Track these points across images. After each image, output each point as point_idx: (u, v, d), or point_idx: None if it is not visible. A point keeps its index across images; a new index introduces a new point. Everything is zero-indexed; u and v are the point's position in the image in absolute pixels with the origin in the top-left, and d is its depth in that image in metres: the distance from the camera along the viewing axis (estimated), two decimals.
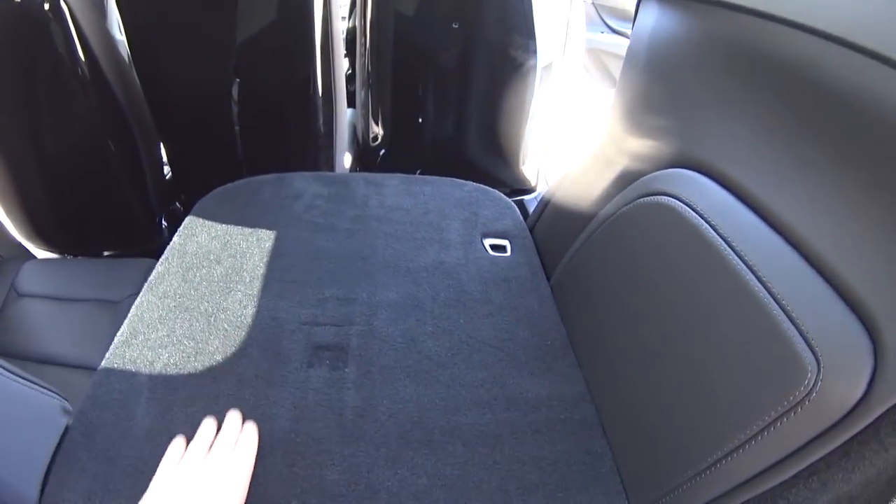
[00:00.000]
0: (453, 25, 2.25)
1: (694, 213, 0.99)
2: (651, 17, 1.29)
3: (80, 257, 2.43)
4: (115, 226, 2.39)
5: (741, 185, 0.96)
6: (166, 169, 2.55)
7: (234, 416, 1.07)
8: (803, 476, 0.75)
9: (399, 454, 1.07)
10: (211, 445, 1.01)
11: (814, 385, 0.71)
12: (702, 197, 1.01)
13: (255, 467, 1.04)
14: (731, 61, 1.04)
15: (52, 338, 1.74)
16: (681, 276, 1.01)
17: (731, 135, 1.01)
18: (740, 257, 0.87)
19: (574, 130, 2.92)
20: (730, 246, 0.89)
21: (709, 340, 0.91)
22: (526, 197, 2.77)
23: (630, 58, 1.37)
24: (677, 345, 0.98)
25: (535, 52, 2.26)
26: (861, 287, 0.72)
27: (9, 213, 2.23)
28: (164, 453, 1.06)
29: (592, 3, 4.07)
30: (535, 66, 2.29)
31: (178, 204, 2.65)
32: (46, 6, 1.74)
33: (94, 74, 1.93)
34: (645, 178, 1.19)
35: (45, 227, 2.31)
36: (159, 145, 2.41)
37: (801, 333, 0.74)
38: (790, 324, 0.76)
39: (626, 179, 1.27)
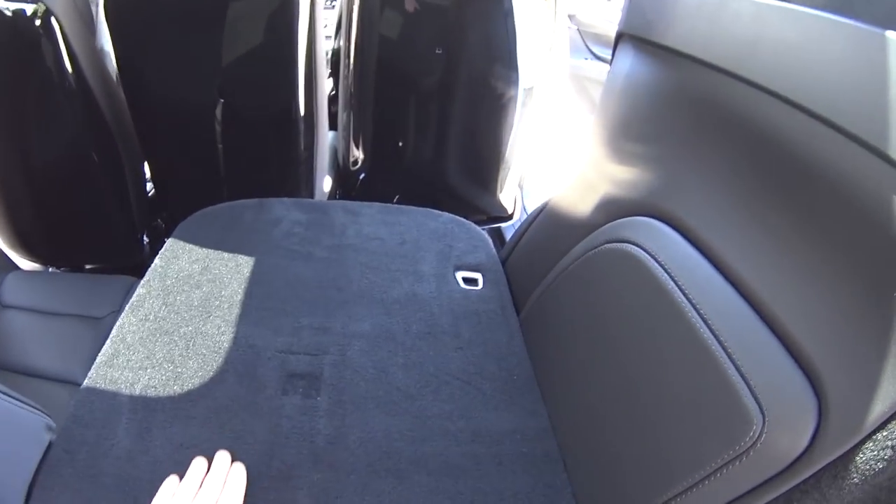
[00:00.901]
0: (437, 51, 2.29)
1: (655, 263, 1.05)
2: (627, 61, 1.35)
3: (63, 270, 2.48)
4: (97, 240, 2.41)
5: (701, 237, 1.02)
6: (149, 186, 2.58)
7: (223, 456, 1.09)
8: None
9: (367, 482, 1.11)
10: (201, 484, 1.04)
11: (759, 436, 0.76)
12: (663, 247, 1.06)
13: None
14: (697, 116, 1.10)
15: (35, 351, 1.76)
16: (639, 323, 1.07)
17: (695, 188, 1.07)
18: (696, 309, 0.92)
19: (554, 158, 2.98)
20: (686, 297, 0.95)
21: (661, 386, 0.97)
22: (503, 224, 2.82)
23: (603, 101, 1.44)
24: (632, 388, 1.04)
25: (517, 80, 2.30)
26: (809, 345, 0.77)
27: None
28: (143, 473, 1.10)
29: (577, 30, 4.11)
30: (516, 95, 2.33)
31: (160, 221, 2.67)
32: (38, 22, 1.76)
33: (81, 90, 1.95)
34: (613, 223, 1.25)
35: (28, 238, 2.32)
36: (143, 162, 2.43)
37: (748, 386, 0.80)
38: (739, 376, 0.81)
39: (594, 223, 1.32)
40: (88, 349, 1.68)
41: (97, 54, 2.06)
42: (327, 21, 3.18)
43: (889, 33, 0.69)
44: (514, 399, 1.32)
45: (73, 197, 2.21)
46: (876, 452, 0.65)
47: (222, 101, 2.16)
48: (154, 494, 1.06)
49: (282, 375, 1.32)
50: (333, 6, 3.55)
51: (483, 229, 2.56)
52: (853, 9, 0.77)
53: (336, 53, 3.09)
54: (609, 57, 1.43)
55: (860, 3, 0.77)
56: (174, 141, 2.34)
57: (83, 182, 2.18)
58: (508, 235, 2.82)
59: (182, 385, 1.28)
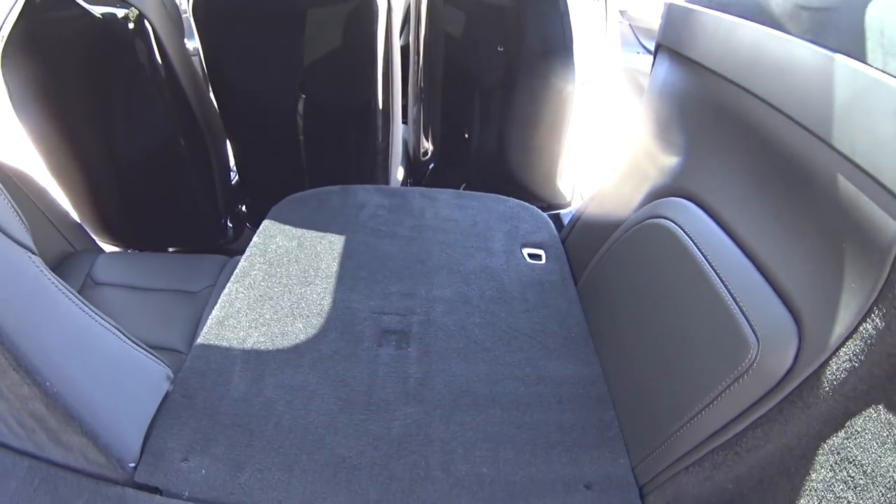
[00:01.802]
0: (498, 48, 2.41)
1: (684, 234, 1.28)
2: (664, 68, 1.57)
3: (148, 252, 2.57)
4: (182, 224, 2.56)
5: (719, 212, 1.26)
6: (233, 174, 2.71)
7: None
8: (750, 429, 1.03)
9: (451, 414, 1.35)
10: None
11: (755, 358, 1.00)
12: (690, 222, 1.30)
13: (336, 422, 1.31)
14: (716, 117, 1.33)
15: (132, 322, 1.72)
16: (670, 283, 1.31)
17: (715, 175, 1.31)
18: (712, 267, 1.17)
19: (609, 148, 3.11)
20: (706, 258, 1.19)
21: (684, 330, 1.22)
22: (562, 211, 2.93)
23: (645, 101, 1.66)
24: (663, 335, 1.29)
25: (573, 75, 2.39)
26: (791, 287, 1.01)
27: (79, 208, 2.38)
28: (258, 411, 1.31)
29: (629, 25, 4.23)
30: (573, 89, 2.42)
31: (242, 207, 2.79)
32: (131, 25, 1.90)
33: (171, 85, 2.08)
34: (653, 203, 1.48)
35: (114, 223, 2.48)
36: (228, 152, 2.56)
37: (746, 319, 1.04)
38: (740, 313, 1.06)
39: (637, 205, 1.55)
40: (185, 320, 1.86)
41: (186, 53, 2.20)
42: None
43: (838, 57, 0.94)
44: (571, 352, 1.53)
45: (162, 184, 2.38)
46: (839, 366, 0.87)
47: (304, 96, 2.32)
48: (268, 428, 1.27)
49: (376, 331, 1.55)
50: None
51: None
52: (825, 37, 1.01)
53: (404, 49, 3.18)
54: None
55: (830, 35, 1.00)
56: (257, 132, 2.47)
57: (171, 170, 2.33)
58: (566, 222, 2.95)
59: (289, 340, 1.51)
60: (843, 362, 0.87)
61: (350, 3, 2.03)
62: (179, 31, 2.16)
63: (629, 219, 1.55)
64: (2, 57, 1.87)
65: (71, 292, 1.15)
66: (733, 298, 1.09)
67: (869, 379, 0.83)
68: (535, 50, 2.40)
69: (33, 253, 1.07)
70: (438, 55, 2.46)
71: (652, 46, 3.96)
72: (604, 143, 3.05)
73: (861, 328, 0.84)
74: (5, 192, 1.04)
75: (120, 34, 1.92)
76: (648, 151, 1.63)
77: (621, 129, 3.21)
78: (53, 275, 1.11)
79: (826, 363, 0.90)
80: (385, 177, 2.55)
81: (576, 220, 1.97)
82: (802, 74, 1.03)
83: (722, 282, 1.13)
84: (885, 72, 0.85)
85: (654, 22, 4.06)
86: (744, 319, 1.05)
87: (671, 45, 1.56)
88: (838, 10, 1.01)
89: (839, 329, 0.88)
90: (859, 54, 0.92)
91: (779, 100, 1.09)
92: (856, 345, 0.85)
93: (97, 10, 1.86)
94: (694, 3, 1.47)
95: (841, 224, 0.90)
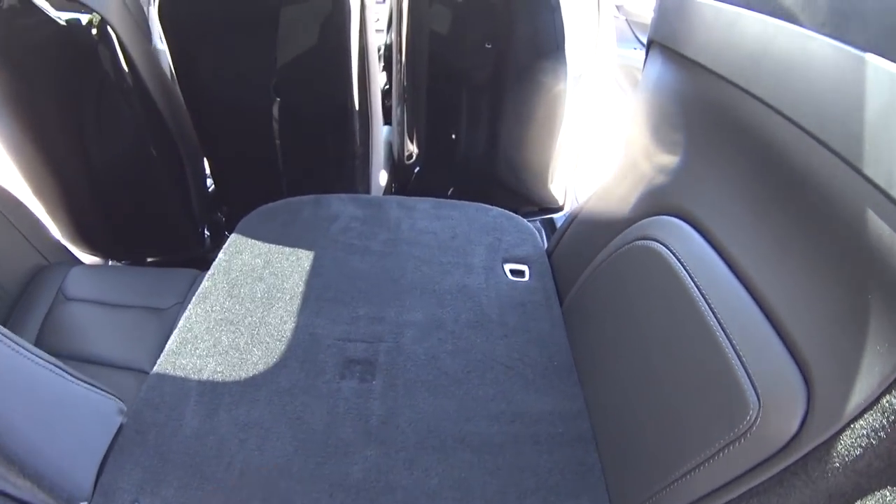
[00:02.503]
0: (486, 46, 2.34)
1: (676, 261, 1.14)
2: (656, 68, 1.45)
3: (124, 264, 2.59)
4: (158, 234, 2.52)
5: (716, 236, 1.11)
6: (209, 181, 2.68)
7: None
8: (745, 498, 0.90)
9: (415, 457, 1.23)
10: None
11: (755, 420, 0.86)
12: (684, 245, 1.16)
13: (291, 465, 1.21)
14: (713, 124, 1.20)
15: (99, 340, 1.82)
16: (661, 316, 1.17)
17: (712, 192, 1.16)
18: (708, 304, 1.02)
19: (604, 148, 3.03)
20: (700, 293, 1.05)
21: (676, 374, 1.08)
22: (555, 215, 2.88)
23: (636, 105, 1.54)
24: (652, 375, 1.16)
25: (565, 73, 2.33)
26: (802, 340, 0.86)
27: (55, 218, 2.35)
28: (210, 451, 1.23)
29: (626, 20, 4.15)
30: (564, 88, 2.37)
31: (220, 214, 2.77)
32: (94, 32, 1.86)
33: (138, 91, 2.04)
34: (643, 221, 1.35)
35: (90, 233, 2.44)
36: (202, 159, 2.52)
37: (747, 374, 0.90)
38: (740, 365, 0.91)
39: (627, 221, 1.42)
40: (153, 339, 1.79)
41: (153, 57, 2.17)
42: (378, 15, 3.21)
43: (869, 56, 0.76)
44: (552, 383, 1.42)
45: (135, 193, 2.33)
46: (854, 440, 0.73)
47: (278, 99, 2.24)
48: (220, 470, 1.19)
49: (340, 361, 1.44)
50: (384, 0, 3.58)
51: (535, 220, 2.64)
52: (848, 30, 0.84)
53: (388, 48, 3.12)
54: None
55: (855, 26, 0.83)
56: (232, 138, 2.42)
57: (144, 178, 2.28)
58: (560, 225, 2.90)
59: (247, 371, 1.41)
60: (860, 437, 0.73)
61: (321, 1, 2.00)
62: (145, 36, 2.14)
63: (618, 237, 1.43)
64: None
65: (6, 335, 1.13)
66: (732, 345, 0.95)
67: (888, 457, 0.70)
68: (525, 47, 2.33)
69: None
70: (422, 53, 2.39)
71: None
72: (598, 144, 2.97)
73: (884, 400, 0.70)
74: None
75: (83, 41, 1.89)
76: (639, 162, 1.51)
77: (616, 130, 3.12)
78: None
79: (838, 434, 0.76)
80: (366, 182, 2.50)
81: (563, 232, 1.86)
82: (821, 77, 0.86)
83: (719, 323, 0.99)
84: None
85: (651, 17, 3.99)
86: (743, 372, 0.91)
87: (664, 40, 1.44)
88: None
89: (857, 397, 0.74)
90: (893, 54, 0.75)
91: (790, 106, 0.93)
92: (875, 418, 0.71)
93: (62, 17, 1.82)
94: None
95: (869, 269, 0.76)
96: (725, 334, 0.97)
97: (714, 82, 1.16)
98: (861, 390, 0.73)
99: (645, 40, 3.96)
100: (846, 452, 0.75)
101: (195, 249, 2.60)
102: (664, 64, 1.42)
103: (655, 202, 1.36)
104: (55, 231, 2.37)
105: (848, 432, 0.75)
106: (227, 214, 2.76)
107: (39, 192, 2.27)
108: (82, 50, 1.90)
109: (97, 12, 1.84)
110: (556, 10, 2.18)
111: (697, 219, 1.19)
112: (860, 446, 0.73)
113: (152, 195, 2.35)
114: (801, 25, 0.94)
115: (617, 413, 1.27)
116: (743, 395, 0.89)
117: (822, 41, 0.86)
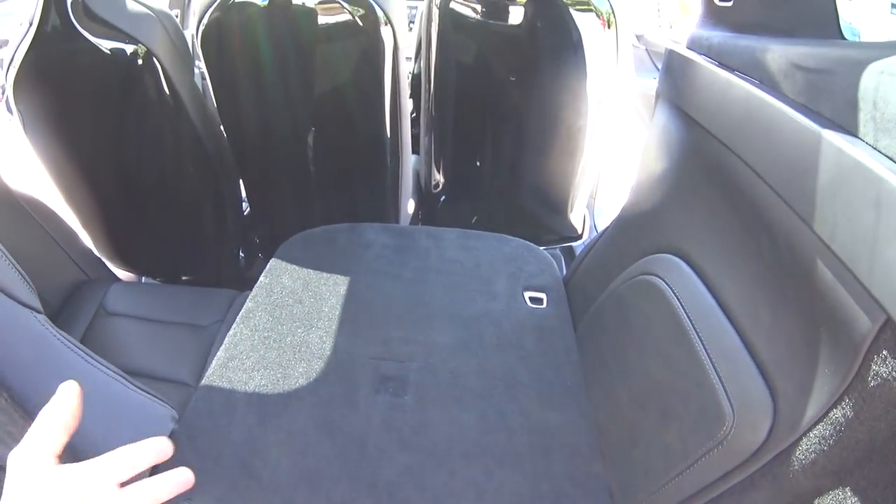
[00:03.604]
0: (510, 78, 2.41)
1: (672, 294, 1.31)
2: (662, 118, 1.60)
3: (161, 282, 2.68)
4: (194, 253, 2.61)
5: (707, 273, 1.28)
6: (245, 205, 2.75)
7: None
8: (725, 496, 1.07)
9: (442, 463, 1.39)
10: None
11: (730, 431, 1.03)
12: (679, 281, 1.33)
13: (331, 467, 1.36)
14: (707, 176, 1.35)
15: (141, 353, 1.90)
16: (658, 343, 1.34)
17: (705, 234, 1.33)
18: (695, 331, 1.20)
19: (623, 177, 3.13)
20: (691, 322, 1.22)
21: (668, 391, 1.25)
22: (574, 244, 2.97)
23: (644, 151, 1.69)
24: (648, 393, 1.33)
25: (586, 105, 2.39)
26: (771, 362, 1.03)
27: (92, 234, 2.41)
28: (257, 455, 1.38)
29: (646, 49, 4.26)
30: (586, 121, 2.43)
31: (255, 237, 2.85)
32: (140, 62, 1.94)
33: (179, 116, 2.11)
34: (646, 258, 1.51)
35: (126, 250, 2.52)
36: (239, 183, 2.59)
37: (724, 391, 1.07)
38: (720, 384, 1.09)
39: (633, 257, 1.58)
40: (194, 354, 1.92)
41: (196, 87, 2.25)
42: (408, 42, 3.24)
43: (825, 133, 0.91)
44: (565, 400, 1.57)
45: (174, 214, 2.43)
46: (810, 446, 0.90)
47: (313, 129, 2.34)
48: (266, 471, 1.34)
49: (375, 378, 1.59)
50: (411, 28, 3.64)
51: (555, 248, 2.75)
52: (819, 101, 1.00)
53: (417, 77, 3.23)
54: None
55: (824, 98, 0.98)
56: (268, 164, 2.48)
57: (183, 200, 2.39)
58: (578, 253, 2.97)
59: (290, 385, 1.56)
60: (814, 443, 0.89)
61: (357, 39, 2.06)
62: (188, 67, 2.21)
63: (625, 272, 1.59)
64: (14, 85, 1.92)
65: (75, 345, 1.23)
66: (714, 367, 1.12)
67: (839, 461, 0.86)
68: (547, 80, 2.40)
69: (38, 312, 1.15)
70: (450, 84, 2.48)
71: None
72: (616, 173, 3.07)
73: (831, 413, 0.87)
74: (7, 254, 1.13)
75: (129, 69, 1.97)
76: (645, 204, 1.66)
77: (634, 159, 3.23)
78: (58, 330, 1.20)
79: (797, 442, 0.93)
80: (395, 211, 2.58)
81: (579, 263, 2.00)
82: (788, 147, 1.00)
83: (704, 348, 1.16)
84: (876, 148, 0.84)
85: (672, 46, 4.08)
86: (722, 389, 1.08)
87: (668, 95, 1.58)
88: (834, 74, 0.98)
89: (811, 411, 0.90)
90: (852, 126, 0.90)
91: (764, 170, 1.09)
92: (826, 428, 0.87)
93: (105, 45, 1.91)
94: (695, 49, 1.49)
95: (819, 308, 0.92)
96: (708, 357, 1.14)
97: (707, 138, 1.31)
98: (814, 405, 0.90)
99: None
100: (804, 457, 0.91)
101: (230, 270, 2.70)
102: (669, 115, 1.56)
103: (658, 241, 1.51)
104: (92, 247, 2.45)
105: (805, 440, 0.91)
106: (261, 237, 2.85)
107: (78, 208, 2.35)
108: (127, 77, 1.99)
109: (143, 44, 1.93)
110: (579, 43, 2.24)
111: (692, 257, 1.35)
112: (814, 452, 0.89)
113: (190, 216, 2.45)
114: (781, 92, 1.10)
115: (619, 426, 1.42)
116: (721, 409, 1.06)
117: (793, 116, 1.00)
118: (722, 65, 1.34)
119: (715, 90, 1.30)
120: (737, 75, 1.24)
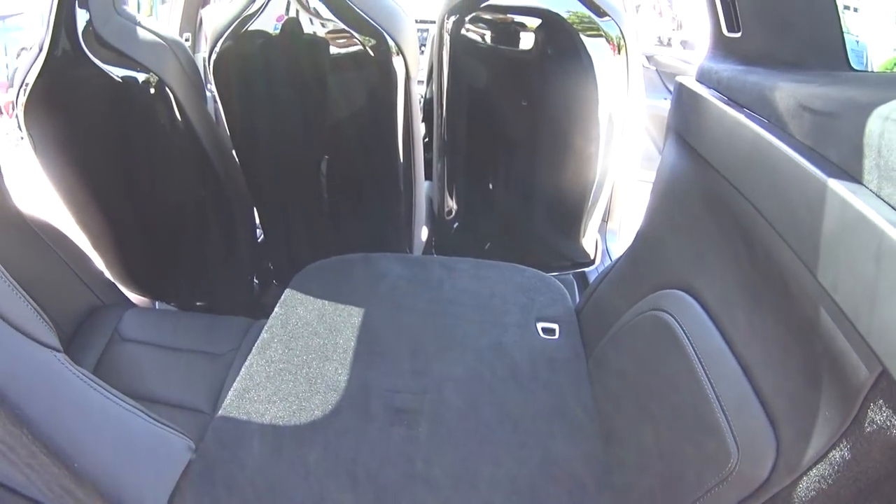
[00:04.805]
0: (522, 103, 2.46)
1: (681, 331, 1.37)
2: (673, 153, 1.65)
3: (172, 306, 2.73)
4: (208, 279, 2.63)
5: (714, 310, 1.34)
6: (259, 231, 2.77)
7: None
8: None
9: (453, 496, 1.44)
10: None
11: (735, 466, 1.09)
12: (688, 317, 1.39)
13: (344, 501, 1.42)
14: (714, 213, 1.40)
15: (156, 379, 1.93)
16: (665, 376, 1.40)
17: (713, 271, 1.38)
18: (703, 368, 1.26)
19: (635, 201, 3.18)
20: (698, 359, 1.28)
21: (677, 427, 1.31)
22: (587, 269, 3.01)
23: (655, 185, 1.75)
24: (657, 429, 1.39)
25: (598, 130, 2.42)
26: (775, 403, 1.09)
27: (105, 258, 2.45)
28: (274, 487, 1.42)
29: (656, 70, 4.31)
30: (597, 146, 2.46)
31: (269, 264, 2.88)
32: (152, 91, 2.00)
33: (192, 143, 2.17)
34: (656, 293, 1.57)
35: (139, 275, 2.55)
36: (252, 209, 2.62)
37: (731, 429, 1.13)
38: (726, 422, 1.15)
39: (643, 292, 1.64)
40: (209, 381, 1.95)
41: (207, 113, 2.30)
42: (420, 66, 3.32)
43: (831, 182, 0.94)
44: (576, 432, 1.61)
45: (187, 240, 2.46)
46: (810, 485, 0.95)
47: (326, 156, 2.39)
48: (282, 502, 1.39)
49: (389, 410, 1.64)
50: (423, 51, 3.72)
51: (567, 274, 2.80)
52: (826, 145, 1.03)
53: (429, 102, 3.25)
54: None
55: (832, 142, 1.01)
56: (281, 191, 2.54)
57: (197, 227, 2.44)
58: (591, 278, 3.00)
59: (306, 416, 1.61)
60: (814, 482, 0.95)
61: (368, 69, 2.11)
62: (200, 95, 2.27)
63: (635, 306, 1.64)
64: (25, 109, 1.98)
65: (93, 380, 1.28)
66: (720, 404, 1.18)
67: (837, 499, 0.92)
68: (559, 105, 2.44)
69: (57, 350, 1.21)
70: (462, 109, 2.51)
71: None
72: (628, 199, 3.12)
73: (830, 454, 0.92)
74: (23, 293, 1.19)
75: (141, 97, 2.03)
76: (656, 238, 1.72)
77: (645, 187, 3.26)
78: (76, 367, 1.25)
79: (798, 479, 0.98)
80: (409, 238, 2.63)
81: (591, 293, 2.05)
82: (794, 192, 1.03)
83: (711, 385, 1.22)
84: (880, 196, 0.86)
85: (682, 67, 4.12)
86: (728, 427, 1.14)
87: (678, 129, 1.63)
88: (840, 118, 1.00)
89: (812, 451, 0.96)
90: (857, 172, 0.92)
91: (770, 213, 1.12)
92: (825, 468, 0.93)
93: (116, 72, 1.97)
94: (704, 83, 1.54)
95: (822, 353, 0.96)
96: (715, 395, 1.20)
97: (716, 176, 1.35)
98: (814, 446, 0.95)
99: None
100: (804, 494, 0.97)
101: (243, 296, 2.74)
102: (679, 150, 1.61)
103: (668, 276, 1.57)
104: (105, 271, 2.48)
105: (805, 479, 0.97)
106: (275, 263, 2.88)
107: (90, 232, 2.40)
108: (139, 105, 2.05)
109: (155, 73, 1.99)
110: (590, 68, 2.28)
111: (701, 294, 1.40)
112: (814, 490, 0.95)
113: (204, 242, 2.49)
114: (789, 133, 1.13)
115: (627, 458, 1.47)
116: (726, 446, 1.12)
117: (798, 161, 1.03)
118: (731, 101, 1.38)
119: (724, 128, 1.34)
120: (745, 113, 1.27)
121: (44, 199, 2.27)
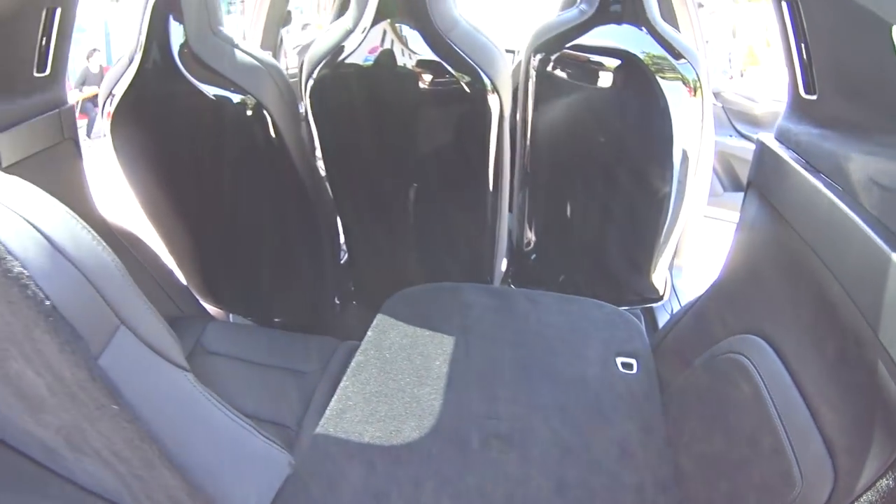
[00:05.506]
0: (600, 139, 2.56)
1: (757, 374, 1.52)
2: (753, 206, 1.77)
3: (253, 322, 2.78)
4: (290, 297, 2.70)
5: (789, 359, 1.47)
6: (343, 253, 2.85)
7: None
8: None
9: None
10: None
11: (799, 493, 1.28)
12: (764, 362, 1.53)
13: None
14: (789, 268, 1.53)
15: (242, 394, 1.93)
16: (740, 414, 1.55)
17: (790, 324, 1.51)
18: (775, 408, 1.42)
19: (704, 239, 3.31)
20: (771, 400, 1.44)
21: (746, 460, 1.48)
22: (654, 305, 3.12)
23: (736, 236, 1.87)
24: (729, 460, 1.54)
25: (671, 171, 2.51)
26: (835, 437, 1.26)
27: (185, 270, 2.56)
28: (369, 502, 1.54)
29: (723, 108, 4.43)
30: (672, 184, 2.55)
31: (350, 286, 2.94)
32: (249, 112, 2.06)
33: (284, 163, 2.22)
34: (733, 338, 1.70)
35: (222, 289, 2.66)
36: (338, 231, 2.68)
37: (796, 461, 1.31)
38: (793, 456, 1.32)
39: (719, 335, 1.78)
40: (296, 398, 2.01)
41: (301, 138, 2.34)
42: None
43: (893, 255, 1.03)
44: (649, 461, 1.72)
45: (271, 257, 2.53)
46: None
47: (415, 185, 2.47)
48: None
49: (481, 436, 1.76)
50: None
51: (636, 308, 2.91)
52: (892, 218, 1.11)
53: (512, 130, 3.36)
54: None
55: None
56: (368, 216, 2.61)
57: (282, 245, 2.51)
58: (658, 314, 3.13)
59: (402, 438, 1.73)
60: None
61: (462, 105, 2.20)
62: (296, 119, 2.33)
63: (713, 348, 1.76)
64: (112, 120, 2.07)
65: (213, 397, 1.38)
66: (789, 439, 1.34)
67: None
68: (635, 143, 2.54)
69: (186, 370, 1.33)
70: (545, 143, 2.61)
71: (745, 130, 4.15)
72: (697, 237, 3.27)
73: (878, 483, 1.10)
74: (161, 318, 1.30)
75: (236, 117, 2.10)
76: (734, 285, 1.84)
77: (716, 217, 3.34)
78: (201, 386, 1.34)
79: None
80: (490, 270, 2.73)
81: (666, 332, 2.19)
82: (862, 260, 1.14)
83: (781, 422, 1.38)
84: None
85: (747, 104, 4.25)
86: (794, 460, 1.31)
87: (759, 186, 1.72)
88: None
89: (864, 480, 1.13)
90: None
91: (840, 275, 1.23)
92: (873, 495, 1.10)
93: (209, 90, 2.04)
94: (783, 143, 1.62)
95: (876, 397, 1.12)
96: (785, 430, 1.37)
97: (792, 234, 1.46)
98: (866, 476, 1.13)
99: (740, 128, 4.24)
100: None
101: (324, 315, 2.81)
102: (759, 205, 1.72)
103: (745, 322, 1.69)
104: (184, 282, 2.59)
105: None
106: (357, 286, 2.96)
107: (171, 243, 2.49)
108: (232, 123, 2.11)
109: (252, 95, 2.05)
110: (666, 110, 2.37)
111: (773, 339, 1.54)
112: None
113: (288, 260, 2.55)
114: (860, 203, 1.21)
115: (700, 488, 1.61)
116: (792, 476, 1.30)
117: (867, 232, 1.13)
118: (809, 165, 1.47)
119: (802, 194, 1.42)
120: (822, 180, 1.37)
121: (126, 209, 2.37)
